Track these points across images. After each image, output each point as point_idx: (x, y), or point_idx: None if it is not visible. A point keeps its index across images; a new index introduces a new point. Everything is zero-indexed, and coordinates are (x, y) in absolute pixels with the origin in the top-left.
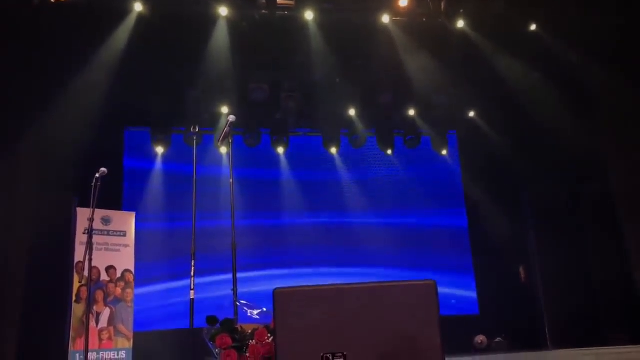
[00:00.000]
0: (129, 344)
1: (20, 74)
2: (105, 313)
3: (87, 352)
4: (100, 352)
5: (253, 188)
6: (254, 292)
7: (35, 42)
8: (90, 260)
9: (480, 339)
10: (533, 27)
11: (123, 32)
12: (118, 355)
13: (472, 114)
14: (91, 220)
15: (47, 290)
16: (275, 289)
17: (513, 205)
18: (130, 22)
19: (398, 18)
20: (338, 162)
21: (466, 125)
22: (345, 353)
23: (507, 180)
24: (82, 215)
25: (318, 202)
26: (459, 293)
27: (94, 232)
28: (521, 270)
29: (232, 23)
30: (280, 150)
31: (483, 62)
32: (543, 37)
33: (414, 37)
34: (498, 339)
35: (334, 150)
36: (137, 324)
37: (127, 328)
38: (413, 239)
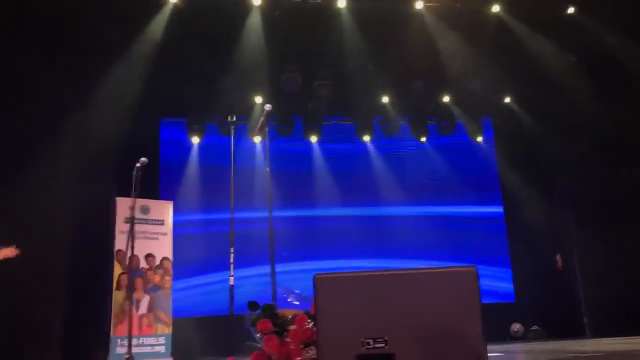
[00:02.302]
0: (168, 330)
1: (60, 67)
2: (145, 300)
3: (131, 339)
4: (141, 338)
5: (286, 177)
6: (291, 280)
7: (72, 36)
8: (133, 248)
9: (516, 327)
10: (570, 10)
11: (158, 24)
12: (157, 341)
13: (507, 99)
14: (133, 208)
15: (89, 277)
16: (316, 274)
17: (550, 192)
18: (165, 13)
19: (431, 4)
20: (371, 149)
21: (502, 111)
22: (385, 338)
23: (544, 167)
24: (122, 204)
25: (351, 190)
26: (495, 281)
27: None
28: (558, 257)
29: (265, 12)
30: (313, 138)
31: (518, 47)
32: (580, 20)
33: (447, 22)
34: (534, 327)
35: (366, 138)
36: (175, 310)
37: (166, 314)
38: (448, 227)
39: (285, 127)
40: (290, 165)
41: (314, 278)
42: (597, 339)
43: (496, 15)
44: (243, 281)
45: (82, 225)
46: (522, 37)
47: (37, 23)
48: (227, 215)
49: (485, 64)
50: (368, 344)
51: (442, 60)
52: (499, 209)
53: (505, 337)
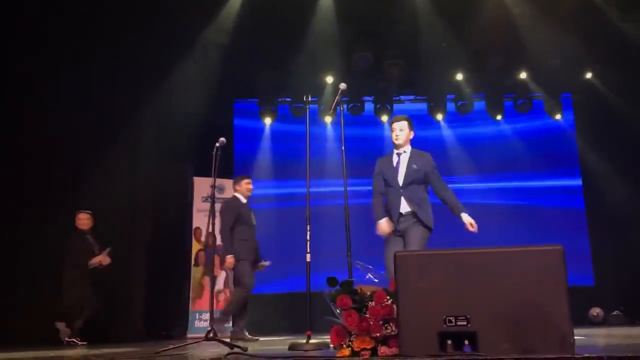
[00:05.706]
0: None
1: (139, 50)
2: (221, 276)
3: (212, 313)
4: (217, 313)
5: (356, 157)
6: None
7: (150, 19)
8: (214, 225)
9: (595, 311)
10: None
11: (232, 6)
12: None
13: (588, 75)
14: (213, 187)
15: (168, 254)
16: (397, 252)
17: (634, 171)
18: None
19: None
20: (444, 129)
21: (582, 88)
22: (468, 316)
23: (627, 145)
24: (198, 183)
25: None
26: (572, 262)
27: (210, 199)
28: None
29: None
30: (384, 118)
31: (600, 20)
32: None
33: None
34: (616, 312)
35: (439, 117)
36: None
37: None
38: (527, 208)
39: (356, 106)
40: (361, 145)
41: (394, 256)
42: None
43: None
44: (318, 258)
45: (161, 203)
46: (605, 9)
47: (119, 9)
48: (299, 193)
49: (566, 37)
50: (450, 321)
51: (520, 34)
52: (578, 187)
53: (584, 321)
